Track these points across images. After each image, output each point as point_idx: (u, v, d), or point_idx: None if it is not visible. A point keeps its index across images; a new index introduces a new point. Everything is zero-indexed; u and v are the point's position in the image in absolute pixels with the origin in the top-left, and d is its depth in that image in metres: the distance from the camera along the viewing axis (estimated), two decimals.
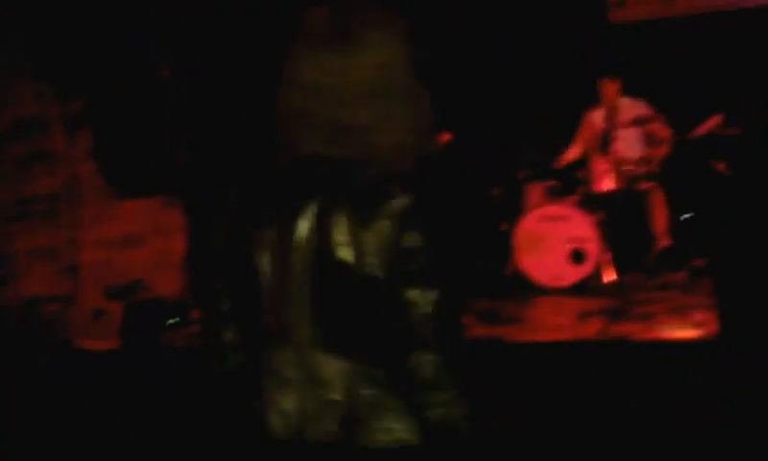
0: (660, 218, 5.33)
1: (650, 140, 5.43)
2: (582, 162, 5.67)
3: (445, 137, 4.81)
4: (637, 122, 5.39)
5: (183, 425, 3.25)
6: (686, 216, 5.39)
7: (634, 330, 4.06)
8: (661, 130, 5.36)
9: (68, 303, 4.43)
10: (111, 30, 4.69)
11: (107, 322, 4.42)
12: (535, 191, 5.54)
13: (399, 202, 1.21)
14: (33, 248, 4.28)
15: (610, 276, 5.18)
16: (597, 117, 5.62)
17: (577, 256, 5.16)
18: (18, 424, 3.37)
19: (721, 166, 5.09)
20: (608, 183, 5.43)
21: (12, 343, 4.06)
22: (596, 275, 5.22)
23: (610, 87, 5.50)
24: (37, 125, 4.36)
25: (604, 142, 5.44)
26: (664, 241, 5.33)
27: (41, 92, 4.36)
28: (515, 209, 5.53)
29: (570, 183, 5.54)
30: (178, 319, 4.49)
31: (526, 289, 5.29)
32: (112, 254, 4.61)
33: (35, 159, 4.36)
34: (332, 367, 1.22)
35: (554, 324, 4.69)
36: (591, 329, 4.19)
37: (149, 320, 4.44)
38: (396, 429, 1.24)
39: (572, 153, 5.71)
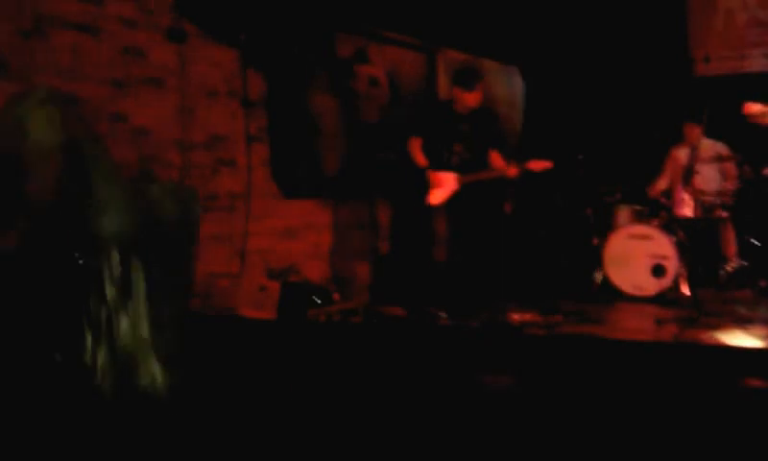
0: (730, 243, 5.94)
1: (726, 176, 6.05)
2: (666, 191, 6.28)
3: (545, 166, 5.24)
4: (716, 160, 6.02)
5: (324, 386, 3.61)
6: (755, 242, 5.93)
7: (703, 337, 4.48)
8: (736, 168, 5.95)
9: (237, 279, 5.00)
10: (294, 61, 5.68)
11: (266, 296, 5.05)
12: (624, 213, 6.13)
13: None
14: (214, 234, 4.86)
15: (685, 289, 5.69)
16: (681, 154, 6.27)
17: (658, 271, 5.66)
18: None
19: None
20: (687, 210, 6.04)
21: (193, 309, 4.74)
22: (674, 288, 5.68)
23: (693, 130, 6.12)
24: (226, 138, 5.08)
25: (686, 175, 6.06)
26: (734, 263, 5.91)
27: (232, 112, 5.13)
28: (606, 227, 6.09)
29: (655, 208, 6.11)
30: (323, 299, 5.10)
31: (612, 296, 5.77)
32: (274, 242, 5.36)
33: (222, 165, 5.05)
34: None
35: (634, 327, 5.15)
36: (666, 333, 4.65)
37: (300, 297, 5.04)
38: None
39: (661, 184, 6.33)
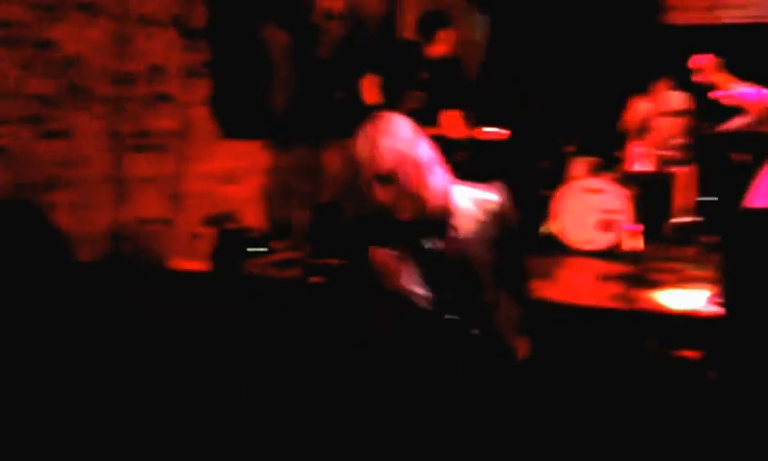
0: (684, 199, 5.86)
1: (686, 130, 5.91)
2: (621, 143, 6.15)
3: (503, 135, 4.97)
4: (676, 113, 5.88)
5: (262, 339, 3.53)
6: (710, 199, 5.84)
7: (646, 296, 4.37)
8: (696, 121, 5.81)
9: (169, 225, 4.77)
10: None
11: (199, 245, 4.79)
12: (578, 165, 6.02)
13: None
14: (145, 175, 4.66)
15: (635, 246, 5.52)
16: (642, 105, 6.12)
17: (607, 226, 5.62)
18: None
19: (745, 158, 5.40)
20: (643, 165, 5.93)
21: (121, 254, 4.38)
22: (622, 244, 5.55)
23: (663, 85, 5.98)
24: (163, 71, 4.78)
25: (644, 128, 5.97)
26: (686, 219, 5.83)
27: (170, 43, 4.82)
28: (559, 179, 5.99)
29: (610, 162, 5.99)
30: (261, 249, 4.90)
31: (559, 250, 5.69)
32: (212, 186, 5.09)
33: (157, 100, 4.76)
34: None
35: (578, 283, 5.05)
36: (610, 291, 4.51)
37: (235, 247, 4.81)
38: None
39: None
